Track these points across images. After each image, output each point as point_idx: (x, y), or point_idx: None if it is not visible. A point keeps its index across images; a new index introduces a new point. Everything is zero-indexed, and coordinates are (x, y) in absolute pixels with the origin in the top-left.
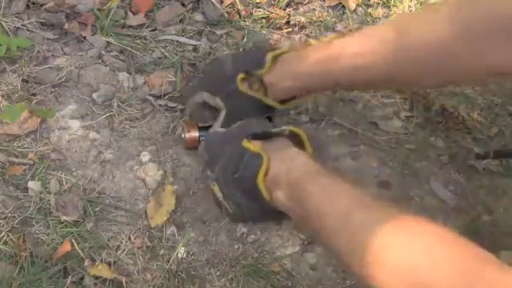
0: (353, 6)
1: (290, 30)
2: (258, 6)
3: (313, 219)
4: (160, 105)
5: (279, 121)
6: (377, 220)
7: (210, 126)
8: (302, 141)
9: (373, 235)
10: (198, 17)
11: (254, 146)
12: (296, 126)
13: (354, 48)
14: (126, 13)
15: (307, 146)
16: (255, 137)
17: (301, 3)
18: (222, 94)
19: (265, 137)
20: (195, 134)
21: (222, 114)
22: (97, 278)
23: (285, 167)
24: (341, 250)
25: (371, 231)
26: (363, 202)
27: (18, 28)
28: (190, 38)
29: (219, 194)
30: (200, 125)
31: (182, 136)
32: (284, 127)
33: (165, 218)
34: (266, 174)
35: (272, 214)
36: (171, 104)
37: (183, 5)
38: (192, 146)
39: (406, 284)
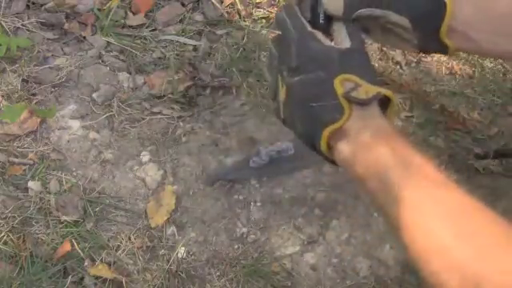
0: None
1: None
2: (257, 5)
3: (369, 183)
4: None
5: None
6: (439, 208)
7: None
8: (388, 103)
9: (427, 220)
10: (198, 17)
11: (341, 90)
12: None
13: None
14: (125, 13)
15: (391, 113)
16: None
17: None
18: None
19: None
20: None
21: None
22: (97, 278)
23: (361, 125)
24: (393, 220)
25: (428, 221)
26: (433, 179)
27: (18, 28)
28: (190, 38)
29: (283, 97)
30: None
31: None
32: (376, 88)
33: (165, 218)
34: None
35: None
36: (166, 111)
37: (183, 5)
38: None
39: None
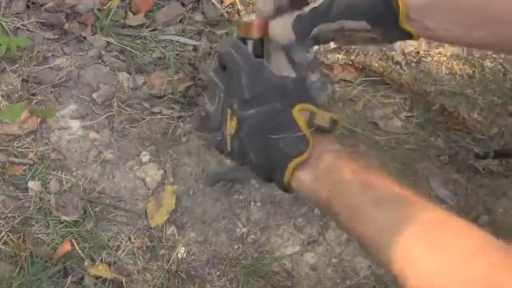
0: None
1: None
2: None
3: (335, 206)
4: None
5: None
6: (404, 220)
7: None
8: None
9: (400, 240)
10: (198, 17)
11: (303, 121)
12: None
13: None
14: (125, 13)
15: (336, 133)
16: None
17: None
18: None
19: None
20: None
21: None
22: (97, 278)
23: (319, 150)
24: (366, 240)
25: (399, 233)
26: (396, 193)
27: (18, 28)
28: (190, 38)
29: (231, 130)
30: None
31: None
32: (329, 113)
33: (165, 218)
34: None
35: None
36: (166, 111)
37: (183, 5)
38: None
39: None
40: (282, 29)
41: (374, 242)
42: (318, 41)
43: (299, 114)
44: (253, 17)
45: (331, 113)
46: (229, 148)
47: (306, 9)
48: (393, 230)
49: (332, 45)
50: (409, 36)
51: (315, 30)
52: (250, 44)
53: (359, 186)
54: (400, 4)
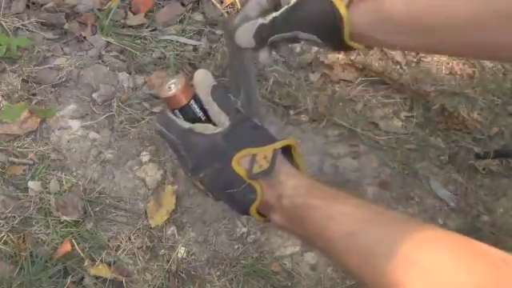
0: None
1: None
2: None
3: (314, 241)
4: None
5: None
6: (391, 236)
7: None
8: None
9: (390, 254)
10: (198, 17)
11: (243, 172)
12: (288, 136)
13: None
14: (125, 13)
15: (297, 157)
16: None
17: None
18: None
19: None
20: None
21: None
22: (97, 278)
23: (276, 193)
24: (352, 269)
25: (388, 249)
26: (367, 219)
27: (18, 28)
28: (190, 38)
29: (202, 188)
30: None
31: (168, 87)
32: (270, 146)
33: (165, 218)
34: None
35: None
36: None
37: (183, 5)
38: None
39: None
40: (244, 36)
41: (360, 268)
42: (274, 47)
43: (237, 165)
44: (169, 85)
45: (275, 143)
46: (208, 194)
47: (268, 17)
48: (384, 249)
49: None
50: (358, 49)
51: (272, 38)
52: (178, 113)
53: (329, 216)
54: (344, 24)
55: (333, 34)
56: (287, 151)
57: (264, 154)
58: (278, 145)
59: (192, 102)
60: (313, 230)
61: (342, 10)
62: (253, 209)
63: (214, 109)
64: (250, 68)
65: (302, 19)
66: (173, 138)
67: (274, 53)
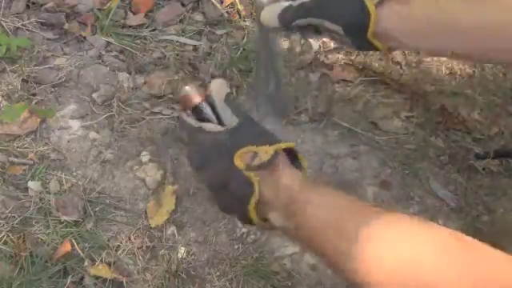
0: None
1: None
2: None
3: (301, 233)
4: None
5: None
6: (373, 220)
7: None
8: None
9: (368, 235)
10: (198, 17)
11: (242, 165)
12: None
13: None
14: (125, 13)
15: (303, 161)
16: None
17: None
18: None
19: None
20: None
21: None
22: (97, 278)
23: (274, 190)
24: (341, 266)
25: (367, 230)
26: (360, 211)
27: (18, 28)
28: (190, 38)
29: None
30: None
31: (183, 89)
32: (274, 145)
33: (165, 218)
34: (257, 200)
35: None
36: (166, 111)
37: (183, 5)
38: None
39: (407, 282)
40: (269, 15)
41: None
42: (298, 31)
43: (240, 160)
44: (184, 87)
45: (278, 144)
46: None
47: (297, 1)
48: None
49: (332, 45)
50: (378, 48)
51: (297, 22)
52: (190, 113)
53: (334, 218)
54: (371, 20)
55: (358, 28)
56: (293, 155)
57: (265, 151)
58: (282, 146)
59: (204, 103)
60: (303, 221)
61: (371, 7)
62: (251, 207)
63: (226, 113)
64: (275, 50)
65: (331, 8)
66: (183, 135)
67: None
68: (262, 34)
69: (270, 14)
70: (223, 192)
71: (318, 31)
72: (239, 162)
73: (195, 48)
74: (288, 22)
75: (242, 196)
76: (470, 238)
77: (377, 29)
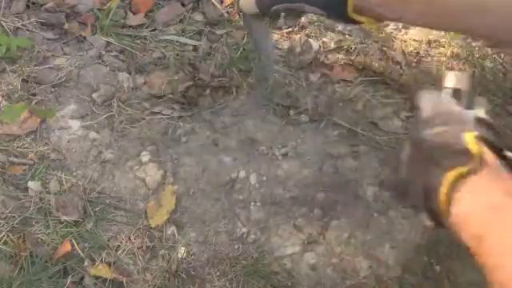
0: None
1: (290, 29)
2: None
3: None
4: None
5: None
6: None
7: None
8: None
9: None
10: (198, 17)
11: (472, 139)
12: None
13: None
14: (125, 13)
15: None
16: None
17: None
18: None
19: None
20: None
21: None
22: (97, 278)
23: (495, 180)
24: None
25: None
26: None
27: (18, 28)
28: (190, 38)
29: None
30: None
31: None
32: None
33: (165, 218)
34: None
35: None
36: (166, 111)
37: (183, 5)
38: None
39: None
40: (247, 1)
41: None
42: (279, 16)
43: (472, 137)
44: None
45: None
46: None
47: None
48: None
49: (332, 45)
50: (361, 23)
51: (276, 7)
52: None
53: None
54: None
55: (336, 6)
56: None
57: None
58: None
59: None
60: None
61: None
62: (452, 174)
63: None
64: (259, 34)
65: None
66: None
67: (282, 22)
68: (245, 22)
69: (247, 2)
70: (429, 155)
71: (300, 14)
72: (471, 137)
73: (195, 48)
74: (266, 7)
75: (451, 162)
76: None
77: (356, 3)
